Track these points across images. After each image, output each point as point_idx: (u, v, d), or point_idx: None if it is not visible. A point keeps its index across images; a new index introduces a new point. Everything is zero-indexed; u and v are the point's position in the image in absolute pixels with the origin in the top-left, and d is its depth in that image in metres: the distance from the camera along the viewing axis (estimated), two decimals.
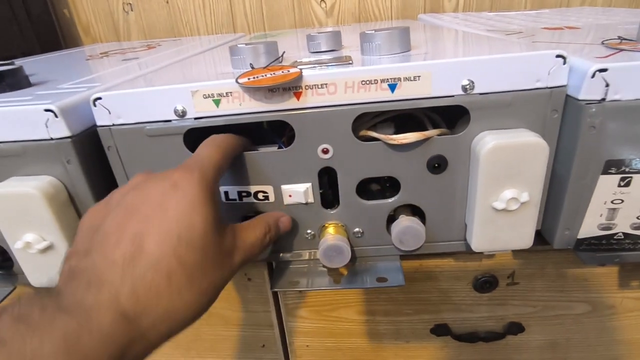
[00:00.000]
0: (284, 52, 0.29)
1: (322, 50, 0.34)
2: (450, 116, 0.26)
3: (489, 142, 0.23)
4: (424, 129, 0.26)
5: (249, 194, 0.27)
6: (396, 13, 0.73)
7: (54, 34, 0.77)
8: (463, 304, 0.35)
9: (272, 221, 0.23)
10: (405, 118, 0.27)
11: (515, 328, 0.36)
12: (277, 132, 0.29)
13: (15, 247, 0.25)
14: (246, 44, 0.29)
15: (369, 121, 0.26)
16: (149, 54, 0.50)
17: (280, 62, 0.28)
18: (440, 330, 0.37)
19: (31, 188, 0.24)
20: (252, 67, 0.28)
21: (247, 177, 0.26)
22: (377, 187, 0.30)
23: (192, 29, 0.78)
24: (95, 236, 0.17)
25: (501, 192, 0.24)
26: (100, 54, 0.55)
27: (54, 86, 0.31)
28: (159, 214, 0.17)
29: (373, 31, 0.28)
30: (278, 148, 0.26)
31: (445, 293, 0.35)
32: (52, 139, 0.25)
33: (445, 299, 0.35)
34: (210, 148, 0.22)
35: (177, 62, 0.40)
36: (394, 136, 0.24)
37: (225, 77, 0.26)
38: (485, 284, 0.35)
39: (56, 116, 0.24)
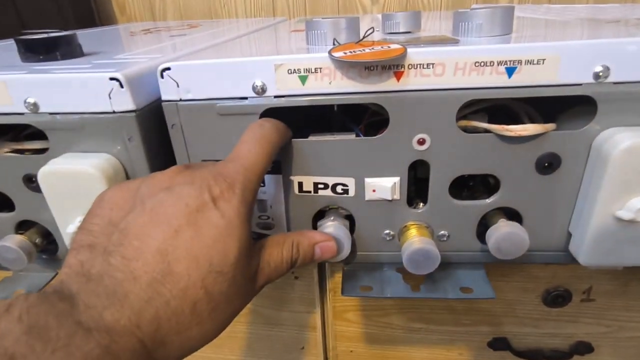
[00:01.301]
0: (372, 27, 0.25)
1: (401, 31, 0.30)
2: (537, 108, 0.24)
3: (622, 140, 0.20)
4: (518, 122, 0.23)
5: (326, 186, 0.25)
6: (446, 3, 0.69)
7: (89, 11, 0.75)
8: (528, 317, 0.33)
9: (306, 244, 0.21)
10: (490, 110, 0.24)
11: (584, 348, 0.33)
12: (351, 117, 0.26)
13: (67, 231, 0.23)
14: (323, 18, 0.26)
15: (460, 111, 0.23)
16: (196, 31, 0.47)
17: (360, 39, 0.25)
18: (499, 344, 0.35)
19: (91, 167, 0.22)
20: (337, 43, 0.25)
21: (326, 167, 0.24)
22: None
23: (229, 11, 0.75)
24: (115, 233, 0.16)
25: (630, 200, 0.20)
26: (142, 31, 0.52)
27: (110, 56, 0.29)
28: (192, 233, 0.16)
29: (469, 9, 0.25)
30: (356, 136, 0.25)
31: (510, 305, 0.33)
32: (114, 112, 0.23)
33: (509, 311, 0.33)
34: (257, 146, 0.20)
35: (236, 38, 0.37)
36: (511, 127, 0.22)
37: (306, 51, 0.24)
38: (558, 298, 0.32)
39: (121, 86, 0.22)
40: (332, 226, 0.24)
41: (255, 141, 0.20)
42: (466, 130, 0.23)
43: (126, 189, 0.18)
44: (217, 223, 0.16)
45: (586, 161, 0.22)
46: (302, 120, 0.26)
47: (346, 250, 0.24)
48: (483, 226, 0.25)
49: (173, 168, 0.19)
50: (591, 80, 0.20)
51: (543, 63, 0.20)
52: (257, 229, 0.27)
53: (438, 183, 0.24)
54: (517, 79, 0.21)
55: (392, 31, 0.31)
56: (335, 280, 0.33)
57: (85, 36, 0.48)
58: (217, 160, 0.24)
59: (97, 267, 0.15)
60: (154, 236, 0.16)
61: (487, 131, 0.23)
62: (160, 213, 0.16)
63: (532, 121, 0.24)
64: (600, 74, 0.20)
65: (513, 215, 0.25)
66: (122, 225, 0.16)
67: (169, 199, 0.17)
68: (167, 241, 0.16)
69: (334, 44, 0.25)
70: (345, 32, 0.25)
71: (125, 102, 0.22)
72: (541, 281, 0.31)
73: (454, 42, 0.23)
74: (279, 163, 0.24)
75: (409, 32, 0.31)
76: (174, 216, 0.16)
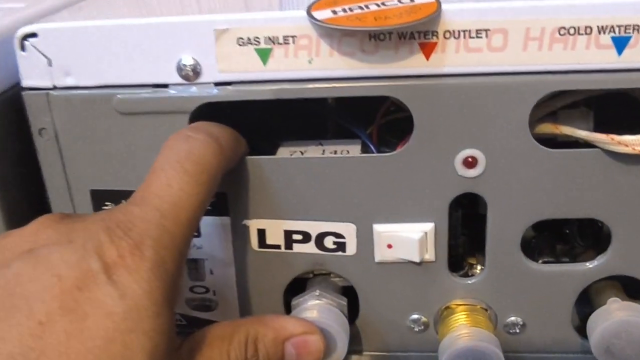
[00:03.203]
0: None
1: None
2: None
3: None
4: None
5: (306, 237, 0.26)
6: None
7: None
8: None
9: (270, 339, 0.22)
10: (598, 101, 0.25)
11: None
12: (351, 116, 0.27)
13: None
14: None
15: (543, 106, 0.24)
16: None
17: None
18: None
19: None
20: None
21: (307, 205, 0.25)
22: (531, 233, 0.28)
23: None
24: None
25: None
26: None
27: None
28: (68, 326, 0.16)
29: None
30: (362, 152, 0.26)
31: None
32: None
33: None
34: (181, 175, 0.20)
35: None
36: (626, 138, 0.22)
37: (272, 6, 0.25)
38: None
39: None
40: (316, 307, 0.25)
41: (178, 166, 0.21)
42: (549, 142, 0.24)
43: None
44: (112, 309, 0.17)
45: None
46: (265, 120, 0.27)
47: (341, 350, 0.25)
48: (584, 307, 0.26)
49: (40, 219, 0.19)
50: None
51: None
52: (186, 310, 0.28)
53: (502, 233, 0.25)
54: (632, 57, 0.22)
55: None
56: None
57: None
58: (116, 198, 0.25)
59: None
60: (7, 331, 0.16)
61: (587, 144, 0.24)
62: (15, 294, 0.17)
63: None
64: None
65: (635, 289, 0.26)
66: None
67: (29, 269, 0.17)
68: (25, 342, 0.16)
69: None
70: None
71: None
72: None
73: None
74: (225, 197, 0.25)
75: None
76: (39, 298, 0.16)
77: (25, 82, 0.24)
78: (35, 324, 0.16)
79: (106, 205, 0.26)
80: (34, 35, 0.23)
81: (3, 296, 0.17)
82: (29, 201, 0.27)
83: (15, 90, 0.25)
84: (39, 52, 0.24)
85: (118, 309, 0.17)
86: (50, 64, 0.24)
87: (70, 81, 0.24)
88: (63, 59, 0.24)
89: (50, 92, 0.24)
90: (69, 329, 0.16)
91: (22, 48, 0.24)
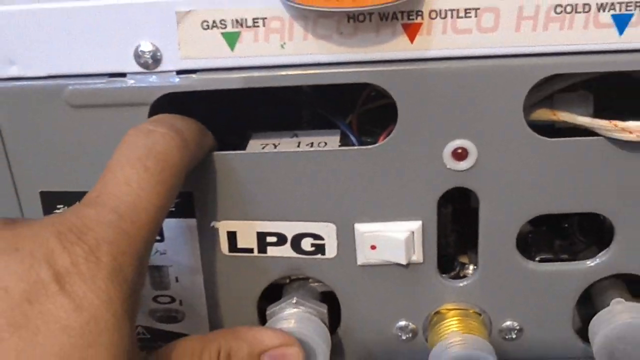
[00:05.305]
0: None
1: None
2: None
3: None
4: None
5: (282, 238, 0.26)
6: None
7: None
8: None
9: (245, 353, 0.23)
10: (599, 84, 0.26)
11: None
12: (329, 104, 0.28)
13: None
14: None
15: (538, 90, 0.25)
16: None
17: None
18: None
19: None
20: None
21: (282, 204, 0.26)
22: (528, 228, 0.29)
23: None
24: None
25: None
26: None
27: None
28: (18, 343, 0.17)
29: None
30: (342, 144, 0.26)
31: None
32: None
33: None
34: (141, 173, 0.21)
35: None
36: (630, 124, 0.23)
37: None
38: None
39: None
40: (294, 316, 0.26)
41: (138, 163, 0.21)
42: (546, 130, 0.25)
43: None
44: (67, 322, 0.17)
45: None
46: (234, 111, 0.27)
47: None
48: (585, 309, 0.27)
49: None
50: None
51: None
52: (150, 322, 0.28)
53: (496, 231, 0.26)
54: (634, 37, 0.23)
55: None
56: None
57: None
58: (69, 200, 0.25)
59: None
60: None
61: (588, 132, 0.24)
62: None
63: None
64: None
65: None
66: None
67: None
68: None
69: None
70: None
71: None
72: None
73: None
74: (190, 197, 0.26)
75: None
76: None
77: None
78: None
79: (57, 209, 0.26)
80: None
81: None
82: None
83: None
84: None
85: (74, 322, 0.17)
86: None
87: (14, 71, 0.24)
88: (6, 46, 0.24)
89: None
90: (20, 347, 0.17)
91: None
